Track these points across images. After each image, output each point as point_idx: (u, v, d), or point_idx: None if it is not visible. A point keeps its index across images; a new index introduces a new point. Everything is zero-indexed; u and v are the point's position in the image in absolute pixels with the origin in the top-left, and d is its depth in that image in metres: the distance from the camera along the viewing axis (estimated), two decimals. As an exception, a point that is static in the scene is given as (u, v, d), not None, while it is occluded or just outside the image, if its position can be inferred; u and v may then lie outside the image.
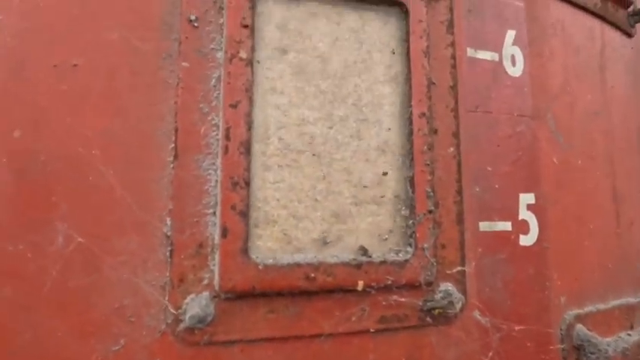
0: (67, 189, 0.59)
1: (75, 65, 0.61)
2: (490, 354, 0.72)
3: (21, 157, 0.59)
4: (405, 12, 0.73)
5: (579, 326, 0.82)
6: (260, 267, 0.60)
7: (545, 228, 0.82)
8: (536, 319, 0.77)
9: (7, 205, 0.58)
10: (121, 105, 0.62)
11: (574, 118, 0.93)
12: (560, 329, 0.80)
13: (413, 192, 0.69)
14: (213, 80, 0.64)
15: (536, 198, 0.82)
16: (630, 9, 1.10)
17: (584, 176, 0.92)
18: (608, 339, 0.84)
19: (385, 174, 0.69)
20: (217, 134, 0.63)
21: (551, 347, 0.76)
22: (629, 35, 1.11)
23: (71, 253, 0.58)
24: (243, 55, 0.63)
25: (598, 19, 1.02)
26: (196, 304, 0.58)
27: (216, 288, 0.60)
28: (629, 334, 0.88)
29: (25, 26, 0.61)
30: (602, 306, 0.88)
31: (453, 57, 0.77)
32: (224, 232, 0.59)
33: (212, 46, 0.65)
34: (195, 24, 0.64)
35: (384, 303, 0.66)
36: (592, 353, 0.80)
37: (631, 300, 0.95)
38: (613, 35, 1.07)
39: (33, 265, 0.58)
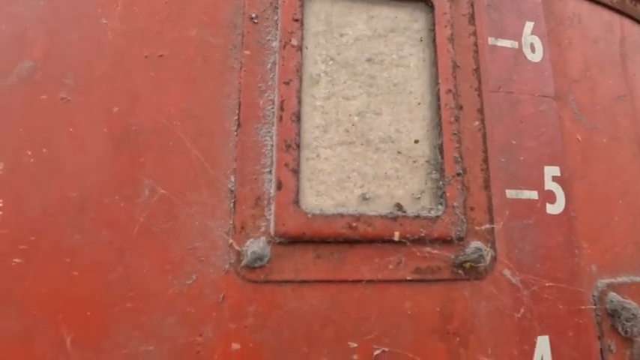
0: (153, 152, 0.73)
1: (161, 56, 0.77)
2: (522, 310, 0.76)
3: (118, 127, 0.74)
4: (430, 6, 0.85)
5: (612, 293, 0.84)
6: (309, 216, 0.70)
7: (572, 200, 0.87)
8: (567, 282, 0.80)
9: (106, 165, 0.72)
10: (196, 86, 0.76)
11: (596, 102, 0.98)
12: (593, 296, 0.83)
13: (442, 157, 0.77)
14: (269, 64, 0.77)
15: (562, 171, 0.87)
16: (649, 4, 1.16)
17: (610, 155, 0.96)
18: (646, 310, 0.85)
19: (417, 142, 0.79)
20: (273, 107, 0.75)
21: (583, 308, 0.79)
22: (651, 29, 1.17)
23: (155, 203, 0.71)
24: (294, 42, 0.76)
25: (616, 13, 1.09)
26: (255, 245, 0.68)
27: (272, 233, 0.70)
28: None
29: (124, 27, 0.78)
30: (637, 278, 0.89)
31: (475, 44, 0.87)
32: (279, 186, 0.70)
33: (268, 37, 0.79)
34: (255, 21, 0.79)
35: (418, 254, 0.73)
36: (627, 320, 0.82)
37: (669, 277, 0.95)
38: (634, 28, 1.13)
39: (125, 213, 0.71)
